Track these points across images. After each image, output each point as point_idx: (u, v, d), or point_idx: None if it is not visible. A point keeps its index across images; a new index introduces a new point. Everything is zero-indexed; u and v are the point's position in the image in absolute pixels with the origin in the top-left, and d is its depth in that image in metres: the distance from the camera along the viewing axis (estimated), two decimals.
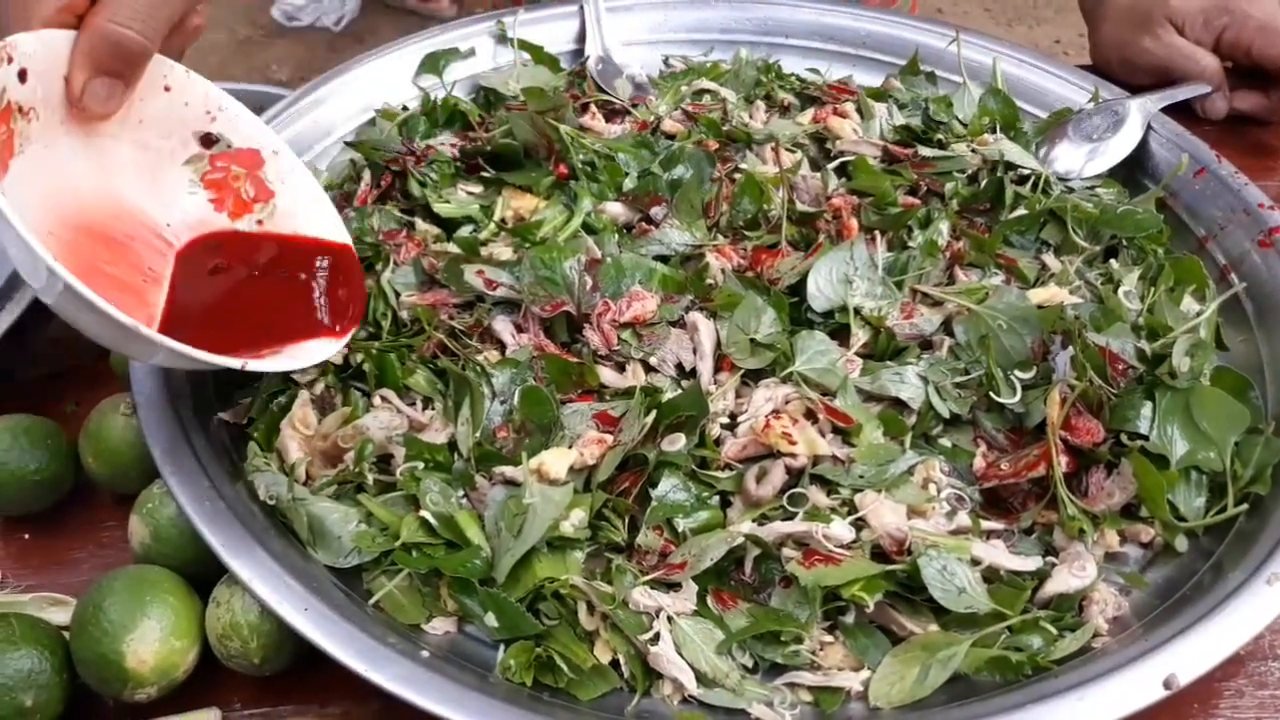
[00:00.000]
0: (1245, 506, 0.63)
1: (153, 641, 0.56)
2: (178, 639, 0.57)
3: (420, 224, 0.80)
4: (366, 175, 0.84)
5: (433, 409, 0.68)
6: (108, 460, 0.66)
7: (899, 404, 0.68)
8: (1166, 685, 0.52)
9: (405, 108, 0.91)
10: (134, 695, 0.56)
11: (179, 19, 0.64)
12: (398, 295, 0.73)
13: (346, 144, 0.87)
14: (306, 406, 0.67)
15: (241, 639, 0.56)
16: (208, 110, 0.70)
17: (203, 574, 0.59)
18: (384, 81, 0.92)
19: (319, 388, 0.69)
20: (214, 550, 0.57)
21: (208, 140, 0.70)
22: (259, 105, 0.86)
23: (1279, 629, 0.62)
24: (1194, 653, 0.54)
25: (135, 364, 0.66)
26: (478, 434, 0.65)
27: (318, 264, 0.70)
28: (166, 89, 0.67)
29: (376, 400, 0.67)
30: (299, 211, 0.71)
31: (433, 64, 0.93)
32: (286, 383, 0.69)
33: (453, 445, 0.66)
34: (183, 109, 0.69)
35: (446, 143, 0.87)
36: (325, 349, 0.66)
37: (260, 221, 0.71)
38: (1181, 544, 0.63)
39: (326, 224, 0.72)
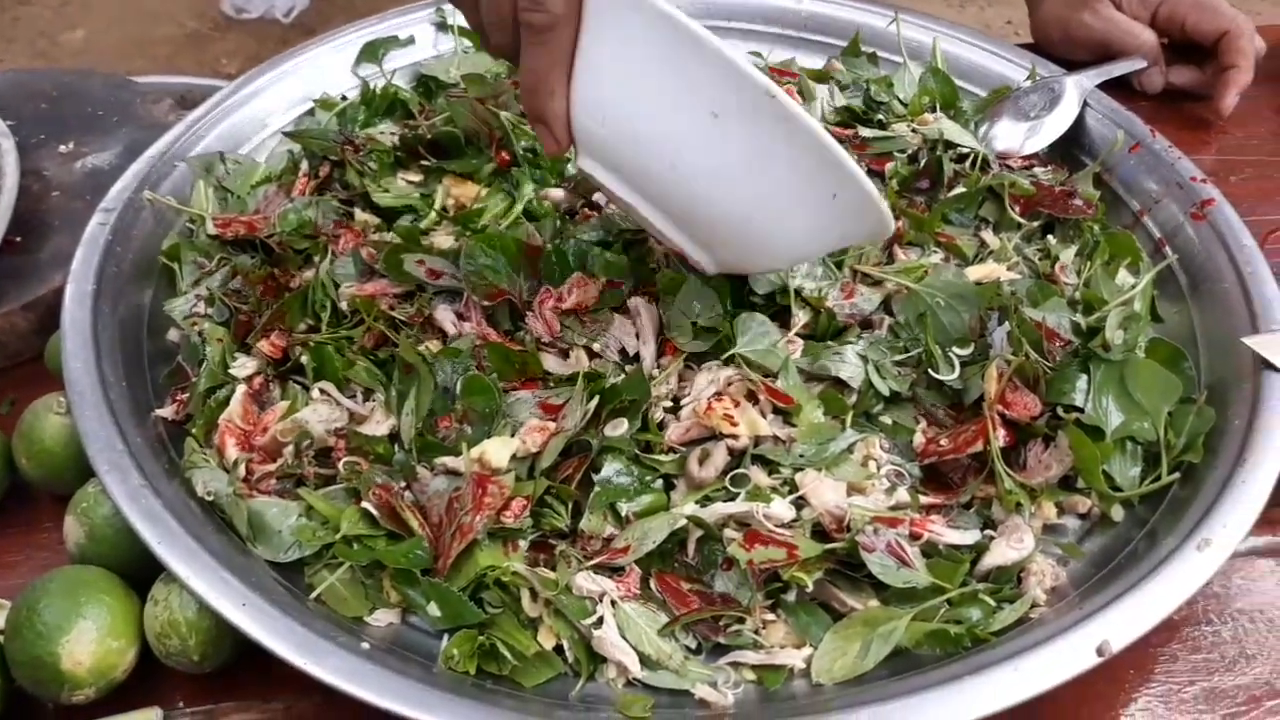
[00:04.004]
0: (1178, 475, 0.64)
1: (89, 642, 0.55)
2: (115, 639, 0.56)
3: (359, 214, 0.79)
4: (304, 166, 0.83)
5: (373, 400, 0.67)
6: (42, 461, 0.65)
7: (840, 383, 0.68)
8: (1099, 652, 0.53)
9: (344, 97, 0.90)
10: (72, 697, 0.55)
11: None
12: (337, 286, 0.72)
13: (285, 135, 0.86)
14: (245, 401, 0.67)
15: (180, 637, 0.56)
16: None
17: (141, 573, 0.59)
18: (323, 71, 0.91)
19: (257, 382, 0.68)
20: (150, 547, 0.56)
21: None
22: (208, 99, 0.86)
23: (1211, 595, 0.64)
24: (1126, 619, 0.54)
25: (69, 360, 0.65)
26: (420, 423, 0.65)
27: None
28: None
29: (315, 393, 0.67)
30: None
31: (372, 53, 0.93)
32: (224, 378, 0.68)
33: (393, 437, 0.65)
34: None
35: (386, 131, 0.86)
36: None
37: None
38: (1118, 513, 0.64)
39: None
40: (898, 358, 0.70)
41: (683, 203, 0.58)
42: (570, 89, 0.56)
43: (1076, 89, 0.90)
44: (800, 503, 0.62)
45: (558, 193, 0.81)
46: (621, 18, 0.52)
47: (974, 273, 0.74)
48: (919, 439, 0.67)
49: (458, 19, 0.96)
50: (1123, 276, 0.77)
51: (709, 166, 0.55)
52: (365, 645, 0.55)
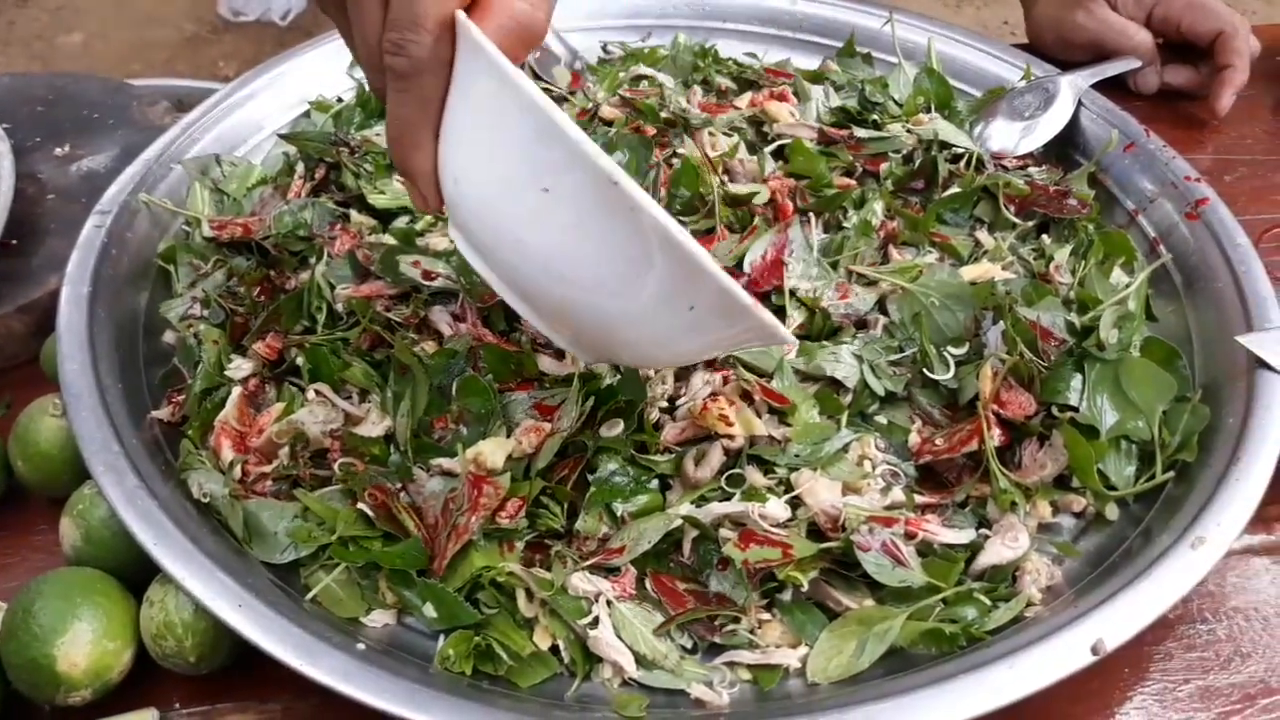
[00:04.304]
0: (1173, 474, 0.64)
1: (85, 644, 0.55)
2: (111, 641, 0.56)
3: (355, 216, 0.79)
4: (300, 168, 0.83)
5: (369, 402, 0.67)
6: (37, 463, 0.65)
7: (835, 383, 0.68)
8: (1094, 651, 0.53)
9: (340, 99, 0.90)
10: (68, 699, 0.55)
11: None
12: (332, 288, 0.72)
13: (280, 137, 0.86)
14: (241, 403, 0.67)
15: (176, 638, 0.56)
16: None
17: (137, 575, 0.59)
18: (318, 74, 0.91)
19: (253, 384, 0.68)
20: (146, 549, 0.56)
21: None
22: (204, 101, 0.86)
23: (1206, 593, 0.64)
24: (1121, 618, 0.55)
25: (64, 362, 0.65)
26: (415, 424, 0.65)
27: None
28: None
29: (311, 395, 0.67)
30: None
31: None
32: (220, 380, 0.68)
33: (389, 438, 0.65)
34: None
35: (382, 134, 0.86)
36: None
37: None
38: (1112, 512, 0.65)
39: None
40: (893, 357, 0.70)
41: (535, 286, 0.52)
42: (438, 144, 0.51)
43: (1071, 89, 0.90)
44: (795, 502, 0.62)
45: None
46: (472, 77, 0.47)
47: (969, 272, 0.74)
48: (914, 438, 0.67)
49: None
50: (1117, 276, 0.77)
51: (556, 250, 0.49)
52: (361, 646, 0.55)
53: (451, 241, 0.63)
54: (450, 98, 0.49)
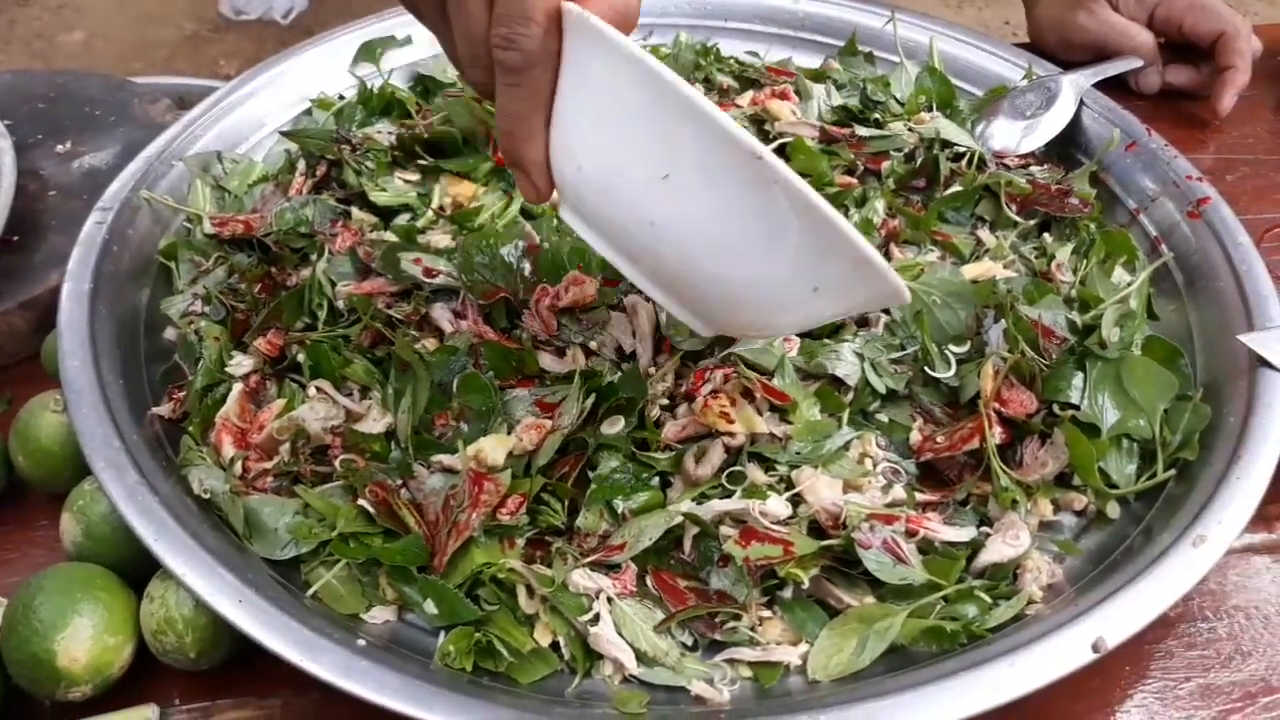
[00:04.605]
0: (1174, 472, 0.64)
1: (85, 639, 0.55)
2: (111, 636, 0.56)
3: (356, 213, 0.79)
4: (301, 165, 0.83)
5: (370, 399, 0.67)
6: (38, 459, 0.65)
7: (836, 381, 0.68)
8: (1095, 648, 0.53)
9: (342, 97, 0.90)
10: (68, 694, 0.55)
11: None
12: (333, 285, 0.72)
13: (282, 134, 0.86)
14: (242, 399, 0.67)
15: (176, 634, 0.56)
16: None
17: (137, 570, 0.59)
18: (320, 71, 0.91)
19: (254, 380, 0.68)
20: (146, 544, 0.56)
21: None
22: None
23: (1207, 591, 0.64)
24: (1122, 616, 0.55)
25: (65, 359, 0.65)
26: (416, 421, 0.65)
27: None
28: None
29: (312, 391, 0.67)
30: None
31: (369, 53, 0.93)
32: (221, 376, 0.68)
33: (390, 434, 0.65)
34: None
35: (383, 131, 0.86)
36: None
37: None
38: (1113, 510, 0.65)
39: None
40: (894, 355, 0.70)
41: (663, 263, 0.52)
42: (549, 133, 0.51)
43: (1073, 88, 0.90)
44: (796, 500, 0.62)
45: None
46: (591, 61, 0.48)
47: (970, 271, 0.74)
48: (915, 436, 0.67)
49: None
50: (1119, 274, 0.77)
51: (689, 227, 0.50)
52: (362, 642, 0.55)
53: (557, 219, 0.64)
54: (562, 86, 0.50)
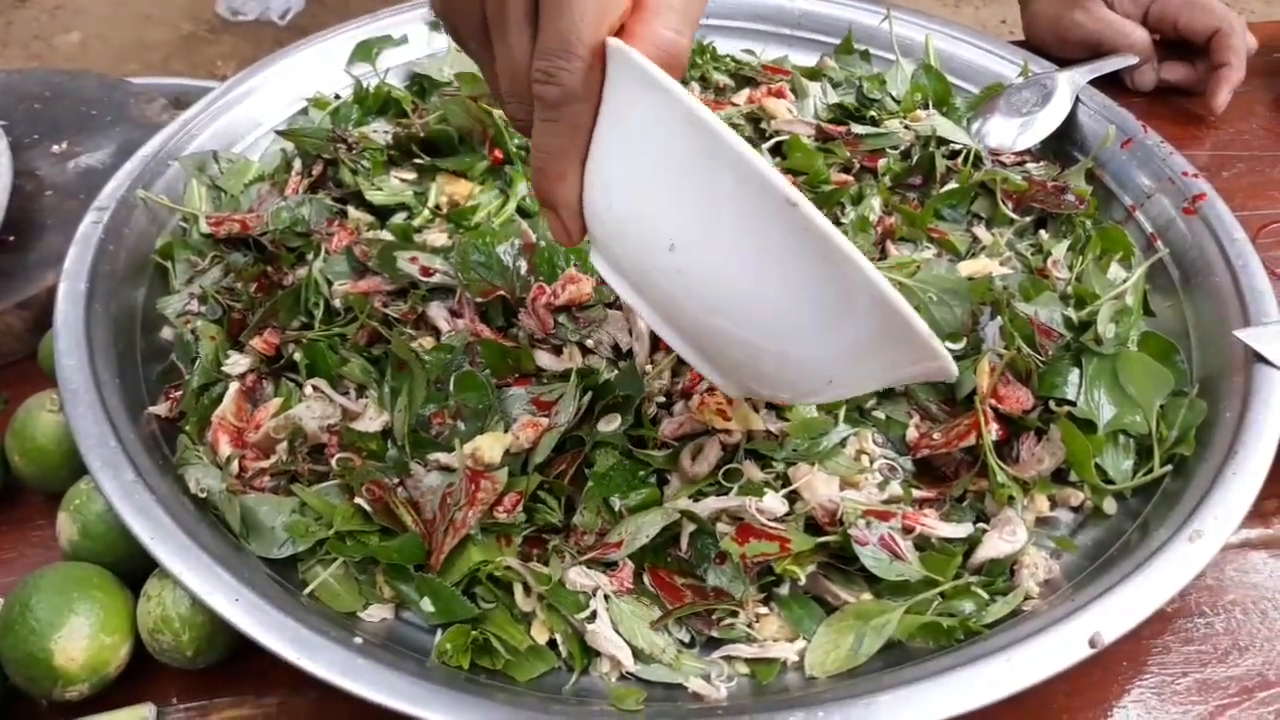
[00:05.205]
0: (1170, 468, 0.64)
1: (81, 638, 0.55)
2: (108, 635, 0.56)
3: (353, 212, 0.79)
4: (297, 164, 0.83)
5: (366, 397, 0.67)
6: (35, 458, 0.65)
7: None
8: (1092, 644, 0.53)
9: (338, 96, 0.90)
10: (65, 693, 0.55)
11: None
12: (330, 284, 0.72)
13: (278, 133, 0.86)
14: (238, 398, 0.67)
15: (173, 632, 0.56)
16: None
17: (133, 569, 0.59)
18: (316, 71, 0.91)
19: (250, 379, 0.68)
20: (143, 543, 0.56)
21: None
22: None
23: (1204, 587, 0.64)
24: (1119, 611, 0.55)
25: (62, 358, 0.65)
26: (413, 419, 0.65)
27: None
28: None
29: (308, 390, 0.67)
30: None
31: (365, 52, 0.93)
32: (217, 375, 0.68)
33: (386, 433, 0.65)
34: None
35: (379, 130, 0.86)
36: None
37: None
38: (1110, 506, 0.65)
39: None
40: None
41: (689, 315, 0.49)
42: (585, 173, 0.49)
43: (1069, 85, 0.90)
44: (793, 497, 0.62)
45: None
46: (631, 101, 0.45)
47: (966, 268, 0.74)
48: (911, 433, 0.67)
49: None
50: (1115, 271, 0.77)
51: (717, 278, 0.46)
52: (359, 641, 0.55)
53: (589, 259, 0.58)
54: (600, 125, 0.47)
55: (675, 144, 0.44)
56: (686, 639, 0.59)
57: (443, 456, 0.63)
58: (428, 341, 0.69)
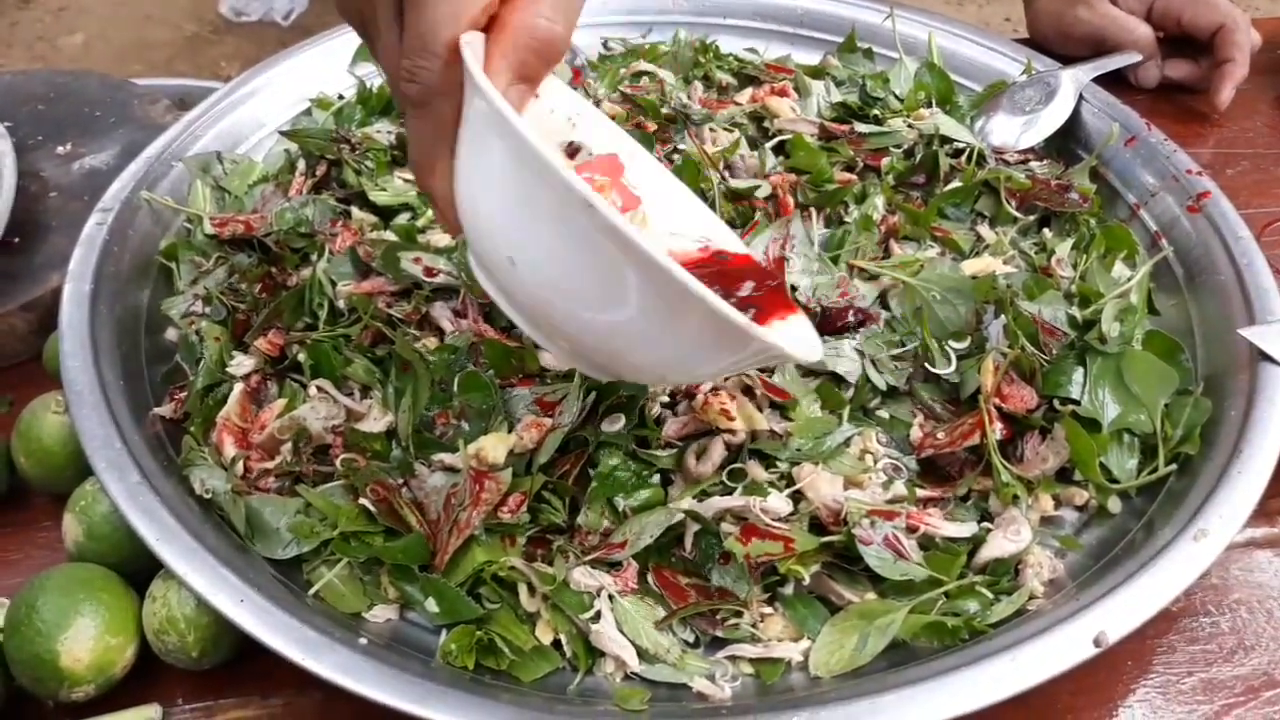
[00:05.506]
0: (1175, 467, 0.64)
1: (87, 639, 0.55)
2: (113, 636, 0.56)
3: (356, 212, 0.79)
4: (301, 165, 0.83)
5: (371, 398, 0.67)
6: (40, 460, 0.65)
7: (836, 378, 0.68)
8: (1097, 643, 0.53)
9: (341, 96, 0.90)
10: (71, 694, 0.55)
11: None
12: (334, 284, 0.73)
13: (281, 134, 0.86)
14: (243, 399, 0.67)
15: (179, 633, 0.56)
16: (569, 116, 0.61)
17: (139, 571, 0.59)
18: (319, 71, 0.91)
19: (255, 380, 0.68)
20: (148, 544, 0.56)
21: (572, 150, 0.61)
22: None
23: (1209, 586, 0.64)
24: (1123, 611, 0.54)
25: (67, 359, 0.65)
26: (417, 420, 0.65)
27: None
28: (536, 95, 0.57)
29: (313, 391, 0.67)
30: (668, 216, 0.62)
31: (368, 52, 0.92)
32: (222, 376, 0.69)
33: (391, 434, 0.65)
34: (549, 116, 0.60)
35: (383, 130, 0.86)
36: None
37: None
38: (1114, 505, 0.65)
39: (699, 223, 0.63)
40: (894, 352, 0.70)
41: (537, 309, 0.51)
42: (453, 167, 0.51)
43: (1072, 83, 0.90)
44: (797, 496, 0.62)
45: None
46: (470, 102, 0.47)
47: (970, 266, 0.74)
48: (916, 433, 0.67)
49: None
50: (1119, 269, 0.77)
51: (544, 272, 0.48)
52: (363, 641, 0.55)
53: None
54: (461, 125, 0.49)
55: (493, 144, 0.46)
56: (691, 639, 0.59)
57: (447, 457, 0.63)
58: (431, 342, 0.69)
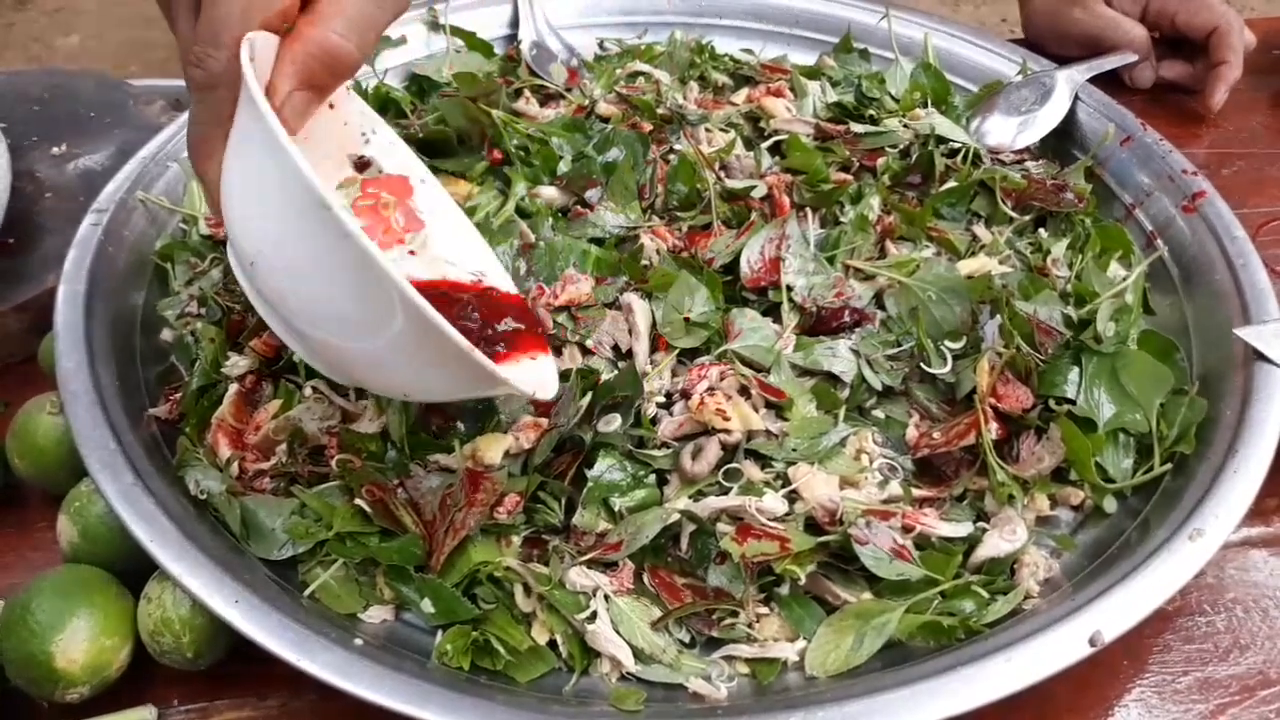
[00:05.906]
0: (1170, 466, 0.64)
1: (82, 641, 0.55)
2: (108, 637, 0.56)
3: None
4: None
5: (366, 398, 0.67)
6: (35, 460, 0.65)
7: (832, 378, 0.69)
8: (1092, 643, 0.53)
9: None
10: (66, 695, 0.55)
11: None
12: None
13: None
14: (238, 400, 0.67)
15: (173, 634, 0.56)
16: (363, 131, 0.64)
17: (134, 571, 0.59)
18: None
19: (250, 381, 0.68)
20: (143, 545, 0.56)
21: (361, 164, 0.64)
22: None
23: (1205, 585, 0.64)
24: (1119, 610, 0.54)
25: (62, 360, 0.65)
26: (411, 420, 0.65)
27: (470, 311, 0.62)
28: (331, 105, 0.60)
29: (308, 391, 0.67)
30: (448, 245, 0.65)
31: None
32: (217, 377, 0.68)
33: (386, 434, 0.65)
34: (342, 128, 0.63)
35: None
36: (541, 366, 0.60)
37: (413, 252, 0.64)
38: (1110, 505, 0.65)
39: (478, 259, 0.66)
40: (890, 352, 0.70)
41: (272, 299, 0.53)
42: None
43: (1068, 83, 0.90)
44: (793, 496, 0.62)
45: (550, 190, 0.81)
46: (241, 103, 0.49)
47: (965, 266, 0.74)
48: (911, 432, 0.67)
49: (449, 19, 0.96)
50: (1114, 269, 0.77)
51: (284, 270, 0.50)
52: (359, 642, 0.55)
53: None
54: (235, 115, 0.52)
55: (251, 133, 0.48)
56: (687, 639, 0.59)
57: (442, 458, 0.63)
58: None
